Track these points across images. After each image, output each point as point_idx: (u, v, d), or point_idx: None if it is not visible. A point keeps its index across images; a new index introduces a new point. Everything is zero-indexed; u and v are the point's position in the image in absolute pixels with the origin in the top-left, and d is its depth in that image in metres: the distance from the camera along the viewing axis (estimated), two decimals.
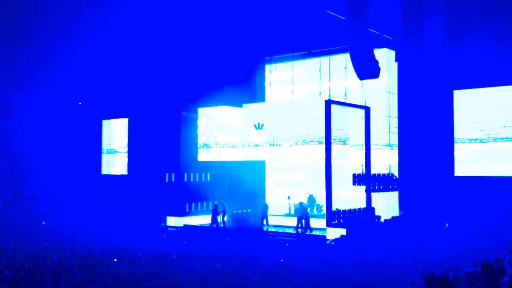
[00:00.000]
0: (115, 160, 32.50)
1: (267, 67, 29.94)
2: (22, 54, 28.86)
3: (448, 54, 19.40)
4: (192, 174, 29.35)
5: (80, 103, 34.71)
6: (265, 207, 27.06)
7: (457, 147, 23.88)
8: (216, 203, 27.02)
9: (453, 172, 23.91)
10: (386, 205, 25.29)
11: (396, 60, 24.34)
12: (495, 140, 22.96)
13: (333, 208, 22.54)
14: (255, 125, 25.51)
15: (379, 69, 19.16)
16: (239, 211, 29.60)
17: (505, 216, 20.44)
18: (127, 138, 31.63)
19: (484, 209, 21.08)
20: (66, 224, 26.31)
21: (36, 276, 13.75)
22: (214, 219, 26.22)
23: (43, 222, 26.70)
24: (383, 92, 25.80)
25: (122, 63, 27.91)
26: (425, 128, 24.76)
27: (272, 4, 23.00)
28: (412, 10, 17.97)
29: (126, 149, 31.72)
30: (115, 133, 32.57)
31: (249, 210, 29.61)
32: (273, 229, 25.17)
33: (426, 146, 24.68)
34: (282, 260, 15.73)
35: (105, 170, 32.89)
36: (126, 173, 31.61)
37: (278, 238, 22.36)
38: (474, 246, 17.11)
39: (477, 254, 14.97)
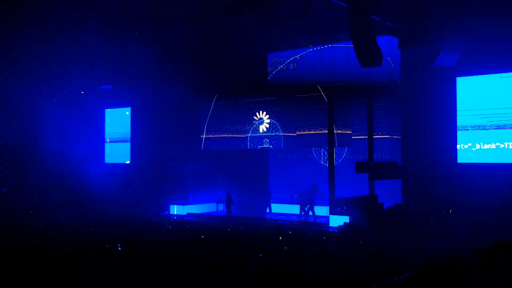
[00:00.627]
0: (118, 149, 32.54)
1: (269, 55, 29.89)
2: (23, 43, 28.79)
3: (451, 40, 19.37)
4: (196, 163, 29.46)
5: (83, 92, 34.67)
6: (268, 195, 27.15)
7: (460, 134, 23.82)
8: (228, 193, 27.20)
9: (456, 159, 23.88)
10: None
11: (399, 48, 24.26)
12: (498, 126, 22.90)
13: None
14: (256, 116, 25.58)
15: (382, 56, 19.12)
16: (243, 200, 29.65)
17: (508, 202, 20.50)
18: (130, 127, 31.65)
19: (487, 195, 21.08)
20: (69, 214, 26.40)
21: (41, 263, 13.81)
22: (227, 208, 26.43)
23: (44, 213, 26.80)
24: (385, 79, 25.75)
25: (124, 51, 27.78)
26: (428, 115, 24.69)
27: None
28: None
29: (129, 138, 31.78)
30: (118, 122, 32.59)
31: (252, 199, 29.64)
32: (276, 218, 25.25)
33: (429, 133, 24.62)
34: (285, 248, 15.77)
35: (108, 159, 32.96)
36: (129, 162, 31.67)
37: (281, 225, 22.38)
38: (477, 232, 17.17)
39: (480, 240, 15.04)
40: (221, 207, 28.64)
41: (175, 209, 27.69)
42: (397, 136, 25.78)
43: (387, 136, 25.76)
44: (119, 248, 16.18)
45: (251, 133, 27.00)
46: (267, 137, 26.66)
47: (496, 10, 21.25)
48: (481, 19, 21.04)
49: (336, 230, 20.81)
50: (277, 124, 26.68)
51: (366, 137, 24.57)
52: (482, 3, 20.48)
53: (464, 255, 9.16)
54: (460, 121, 23.77)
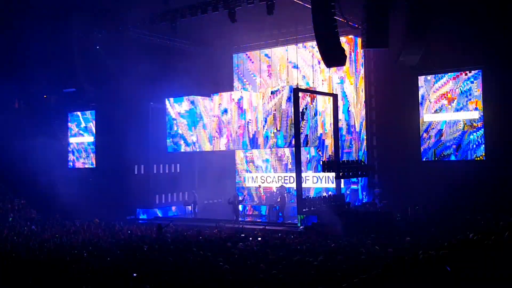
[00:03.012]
0: (82, 153, 32.08)
1: (234, 56, 29.96)
2: None
3: (412, 40, 19.69)
4: (161, 166, 29.27)
5: (45, 96, 34.09)
6: (235, 197, 27.09)
7: (423, 132, 24.24)
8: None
9: (420, 156, 24.27)
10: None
11: (362, 48, 24.57)
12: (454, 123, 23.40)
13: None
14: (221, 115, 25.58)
15: (345, 56, 19.32)
16: (210, 201, 29.60)
17: (470, 196, 20.94)
18: (94, 131, 31.22)
19: (450, 191, 21.50)
20: (33, 219, 25.95)
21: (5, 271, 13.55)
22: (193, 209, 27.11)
23: (10, 218, 26.27)
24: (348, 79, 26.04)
25: (88, 53, 27.42)
26: (392, 114, 25.06)
27: None
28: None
29: (94, 142, 31.33)
30: (82, 126, 32.13)
31: (220, 200, 29.60)
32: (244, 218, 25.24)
33: (393, 131, 24.98)
34: (255, 248, 15.77)
35: (76, 163, 32.46)
36: (94, 166, 31.24)
37: (249, 227, 22.39)
38: (442, 228, 17.47)
39: (445, 236, 15.31)
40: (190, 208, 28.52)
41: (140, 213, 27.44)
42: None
43: (351, 137, 26.07)
44: (84, 254, 15.97)
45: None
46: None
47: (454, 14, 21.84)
48: (441, 22, 21.52)
49: (303, 230, 20.88)
50: None
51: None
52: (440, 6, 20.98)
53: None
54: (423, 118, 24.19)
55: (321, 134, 25.91)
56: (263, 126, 24.28)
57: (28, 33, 27.71)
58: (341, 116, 25.54)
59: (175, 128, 27.40)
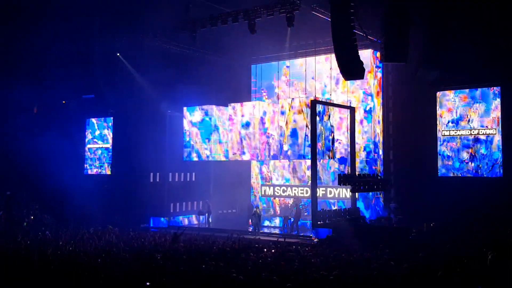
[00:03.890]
0: (98, 160, 32.22)
1: (253, 66, 30.02)
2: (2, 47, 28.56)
3: (430, 56, 19.64)
4: (177, 174, 29.30)
5: (64, 102, 34.33)
6: (250, 208, 27.08)
7: (440, 147, 24.07)
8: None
9: (436, 172, 24.09)
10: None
11: (381, 62, 24.52)
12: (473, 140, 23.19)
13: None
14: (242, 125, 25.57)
15: (364, 69, 19.25)
16: (224, 211, 29.57)
17: (487, 213, 20.71)
18: (111, 137, 31.35)
19: (466, 208, 21.31)
20: (48, 225, 26.03)
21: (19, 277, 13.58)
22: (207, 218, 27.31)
23: (25, 223, 26.38)
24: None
25: (108, 60, 27.64)
26: (409, 128, 24.93)
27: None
28: (396, 14, 18.07)
29: (111, 148, 31.46)
30: (97, 133, 32.30)
31: (234, 211, 29.58)
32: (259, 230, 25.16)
33: (410, 146, 24.84)
34: (269, 260, 15.69)
35: (89, 170, 32.60)
36: (110, 173, 31.33)
37: (264, 238, 22.32)
38: (458, 244, 17.27)
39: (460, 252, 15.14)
40: (203, 218, 28.50)
41: (151, 221, 27.49)
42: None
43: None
44: (98, 260, 15.99)
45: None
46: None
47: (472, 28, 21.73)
48: (460, 38, 21.45)
49: (317, 243, 20.77)
50: None
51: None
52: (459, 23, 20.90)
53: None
54: (441, 133, 24.00)
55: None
56: (283, 138, 24.21)
57: (48, 38, 27.96)
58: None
59: (187, 139, 27.47)
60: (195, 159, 27.32)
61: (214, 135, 26.58)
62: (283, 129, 24.18)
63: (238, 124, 25.75)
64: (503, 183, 22.36)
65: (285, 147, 24.05)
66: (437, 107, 24.22)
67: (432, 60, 19.80)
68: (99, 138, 32.16)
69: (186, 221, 28.57)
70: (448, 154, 23.89)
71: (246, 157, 25.64)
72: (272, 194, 28.68)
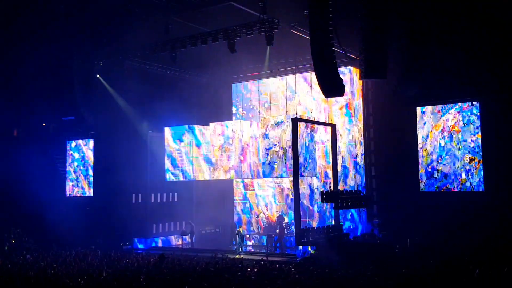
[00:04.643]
0: (80, 181, 31.94)
1: (233, 85, 30.09)
2: None
3: (410, 72, 19.84)
4: (159, 194, 29.12)
5: (44, 124, 34.07)
6: (233, 227, 26.97)
7: (421, 163, 24.24)
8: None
9: (418, 187, 24.23)
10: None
11: (360, 79, 24.71)
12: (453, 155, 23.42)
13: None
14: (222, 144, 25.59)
15: (343, 87, 19.35)
16: (207, 231, 29.40)
17: (469, 228, 20.84)
18: (92, 159, 31.10)
19: (449, 222, 21.43)
20: (29, 249, 25.67)
21: None
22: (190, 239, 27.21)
23: (6, 247, 26.00)
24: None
25: (88, 82, 27.55)
26: (390, 144, 25.10)
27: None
28: (375, 31, 18.24)
29: (92, 170, 31.19)
30: (80, 154, 32.05)
31: (217, 230, 29.41)
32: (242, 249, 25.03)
33: (391, 162, 24.99)
34: (253, 278, 15.60)
35: (69, 192, 32.28)
36: (92, 195, 31.03)
37: (247, 257, 22.20)
38: (441, 260, 17.33)
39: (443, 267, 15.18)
40: (185, 239, 28.30)
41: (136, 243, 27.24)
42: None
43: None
44: (81, 282, 15.76)
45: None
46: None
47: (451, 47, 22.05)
48: (439, 54, 21.74)
49: (301, 261, 20.69)
50: None
51: None
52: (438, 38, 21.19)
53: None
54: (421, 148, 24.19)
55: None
56: (265, 156, 24.26)
57: (28, 60, 27.86)
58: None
59: (168, 159, 27.40)
60: (181, 178, 27.20)
61: (197, 154, 26.57)
62: (264, 147, 24.24)
63: (220, 143, 25.82)
64: (484, 197, 22.53)
65: (266, 166, 24.11)
66: (417, 122, 24.44)
67: (411, 76, 19.98)
68: (80, 160, 31.91)
69: (168, 242, 28.33)
70: (429, 169, 24.06)
71: (230, 175, 25.66)
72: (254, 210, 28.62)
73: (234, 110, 29.94)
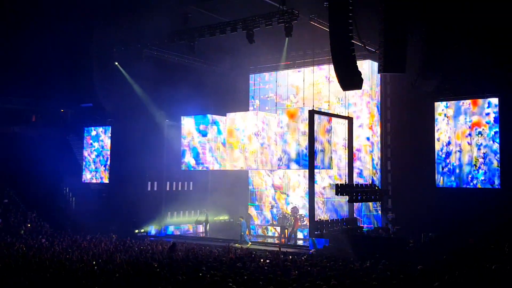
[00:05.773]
0: (96, 168, 32.23)
1: (251, 76, 30.06)
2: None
3: (429, 66, 19.69)
4: (174, 183, 29.29)
5: (62, 111, 34.40)
6: (247, 217, 27.06)
7: (438, 158, 24.06)
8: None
9: (434, 182, 24.06)
10: None
11: (378, 72, 24.54)
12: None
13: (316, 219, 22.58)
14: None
15: (362, 80, 19.24)
16: (221, 220, 29.54)
17: (485, 224, 20.65)
18: (109, 146, 31.33)
19: (464, 218, 21.25)
20: (45, 233, 25.99)
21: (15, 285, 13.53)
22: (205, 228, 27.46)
23: (22, 231, 26.33)
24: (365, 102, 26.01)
25: (107, 69, 27.70)
26: (407, 139, 24.95)
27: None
28: (394, 25, 18.09)
29: (109, 157, 31.43)
30: (100, 144, 32.28)
31: (231, 220, 29.53)
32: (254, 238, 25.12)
33: (408, 156, 24.85)
34: (266, 268, 15.65)
35: (86, 178, 32.58)
36: (108, 182, 31.30)
37: (261, 248, 22.28)
38: (455, 256, 17.21)
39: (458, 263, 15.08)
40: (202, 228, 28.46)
41: (152, 230, 27.43)
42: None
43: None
44: (95, 268, 15.94)
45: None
46: None
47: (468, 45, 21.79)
48: (458, 49, 21.49)
49: (314, 253, 20.71)
50: None
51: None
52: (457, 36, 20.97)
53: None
54: (438, 144, 24.00)
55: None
56: (281, 147, 24.21)
57: (47, 48, 28.08)
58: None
59: (185, 148, 27.40)
60: (199, 168, 27.17)
61: (217, 144, 26.50)
62: (281, 139, 24.22)
63: (236, 134, 25.74)
64: (501, 194, 22.33)
65: (283, 157, 24.08)
66: (435, 117, 24.23)
67: (430, 70, 19.84)
68: (99, 149, 32.14)
69: (180, 231, 28.50)
70: (446, 164, 23.86)
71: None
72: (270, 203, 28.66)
73: (251, 100, 29.90)
